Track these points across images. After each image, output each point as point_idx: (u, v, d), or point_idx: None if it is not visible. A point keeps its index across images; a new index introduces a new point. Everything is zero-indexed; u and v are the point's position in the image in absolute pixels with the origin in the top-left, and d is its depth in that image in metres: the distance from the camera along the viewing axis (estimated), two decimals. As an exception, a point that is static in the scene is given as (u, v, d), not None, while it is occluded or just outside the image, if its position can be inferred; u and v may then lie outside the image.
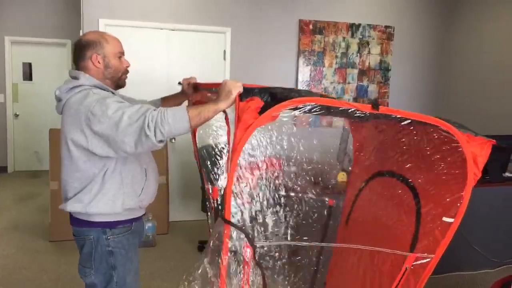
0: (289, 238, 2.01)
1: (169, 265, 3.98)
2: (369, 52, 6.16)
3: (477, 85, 5.96)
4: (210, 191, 2.29)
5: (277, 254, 1.97)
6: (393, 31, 6.22)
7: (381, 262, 1.96)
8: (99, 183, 1.93)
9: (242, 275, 1.61)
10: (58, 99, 1.99)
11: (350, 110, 1.53)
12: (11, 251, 4.32)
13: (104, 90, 1.99)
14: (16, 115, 7.83)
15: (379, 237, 1.98)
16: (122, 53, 2.09)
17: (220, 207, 2.17)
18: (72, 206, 1.97)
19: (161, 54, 5.34)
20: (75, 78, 1.97)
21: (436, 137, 1.72)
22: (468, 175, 1.66)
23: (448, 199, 1.74)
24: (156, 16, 5.29)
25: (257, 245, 1.59)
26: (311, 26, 5.84)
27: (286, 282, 2.08)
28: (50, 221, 4.60)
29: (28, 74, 7.87)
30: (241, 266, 1.60)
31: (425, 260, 1.77)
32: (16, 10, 7.44)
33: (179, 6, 5.37)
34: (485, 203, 3.99)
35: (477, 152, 1.68)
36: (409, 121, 1.67)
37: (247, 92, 1.63)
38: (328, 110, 1.60)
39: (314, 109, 1.56)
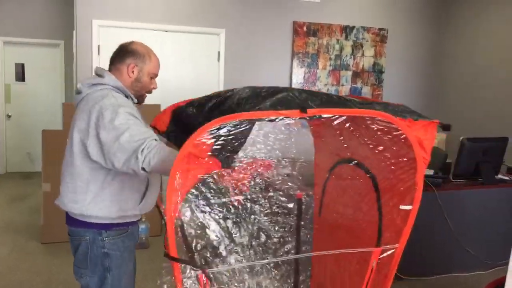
0: (262, 241, 1.98)
1: (162, 266, 3.96)
2: (362, 54, 6.18)
3: (469, 87, 5.99)
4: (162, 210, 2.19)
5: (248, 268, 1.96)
6: (387, 33, 6.24)
7: (349, 262, 1.97)
8: (98, 186, 1.92)
9: None
10: (78, 92, 2.00)
11: (277, 119, 1.47)
12: (3, 252, 4.29)
13: (124, 94, 2.01)
14: (8, 116, 7.78)
15: (349, 231, 1.99)
16: (156, 75, 2.13)
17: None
18: (68, 206, 1.97)
19: (154, 55, 5.34)
20: (100, 76, 2.00)
21: (375, 128, 1.68)
22: (417, 160, 1.64)
23: (402, 188, 1.74)
24: (149, 17, 5.28)
25: (211, 271, 1.56)
26: (305, 28, 5.85)
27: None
28: (42, 222, 4.57)
29: (20, 74, 7.82)
30: None
31: (390, 251, 1.77)
32: (9, 11, 7.40)
33: (173, 7, 5.36)
34: (478, 205, 4.00)
35: (421, 136, 1.65)
36: (343, 118, 1.63)
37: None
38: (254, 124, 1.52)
39: (240, 127, 1.47)
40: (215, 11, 5.53)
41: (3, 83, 7.68)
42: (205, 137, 1.43)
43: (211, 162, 1.48)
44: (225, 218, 1.87)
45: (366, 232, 1.90)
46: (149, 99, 5.46)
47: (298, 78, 5.93)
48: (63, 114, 4.75)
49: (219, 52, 5.56)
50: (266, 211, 1.99)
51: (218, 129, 1.44)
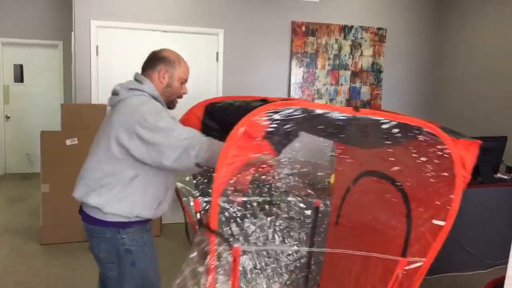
0: (276, 243, 1.99)
1: (162, 267, 3.94)
2: (361, 54, 6.18)
3: (468, 86, 5.99)
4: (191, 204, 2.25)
5: (264, 259, 1.95)
6: (385, 33, 6.24)
7: (373, 266, 1.95)
8: (124, 185, 2.00)
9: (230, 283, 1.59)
10: (115, 93, 2.11)
11: (330, 114, 1.50)
12: (1, 254, 4.28)
13: (161, 103, 2.10)
14: (7, 117, 7.77)
15: (369, 240, 1.96)
16: (186, 80, 2.20)
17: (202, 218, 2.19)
18: (92, 199, 2.02)
19: (153, 55, 5.33)
20: (139, 82, 2.11)
21: (422, 139, 1.69)
22: (456, 178, 1.64)
23: (437, 202, 1.73)
24: (148, 17, 5.28)
25: (243, 249, 1.58)
26: (303, 28, 5.85)
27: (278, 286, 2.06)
28: (41, 224, 4.57)
29: (19, 76, 7.81)
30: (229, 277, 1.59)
31: (417, 264, 1.76)
32: (7, 11, 7.39)
33: (171, 7, 5.35)
34: (477, 204, 4.00)
35: (463, 154, 1.66)
36: (393, 123, 1.63)
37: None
38: (306, 122, 1.54)
39: (293, 116, 1.51)
40: (213, 12, 5.53)
41: (2, 84, 7.67)
42: (262, 118, 1.46)
43: (264, 144, 1.52)
44: (243, 217, 1.89)
45: (389, 244, 1.88)
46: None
47: (297, 78, 5.93)
48: (62, 115, 4.75)
49: (217, 53, 5.56)
50: (284, 215, 2.00)
51: (275, 112, 1.48)
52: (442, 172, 1.69)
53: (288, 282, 2.11)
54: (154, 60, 2.17)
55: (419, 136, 1.68)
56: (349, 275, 2.10)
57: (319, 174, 1.97)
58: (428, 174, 1.73)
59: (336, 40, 6.02)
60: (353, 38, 6.10)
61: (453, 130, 1.79)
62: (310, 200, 2.05)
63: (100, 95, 5.20)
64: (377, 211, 1.95)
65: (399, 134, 1.65)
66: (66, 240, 4.59)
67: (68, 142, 4.57)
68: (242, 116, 1.47)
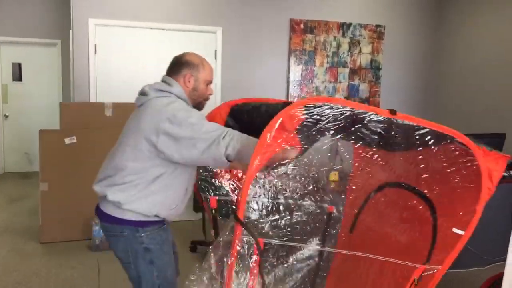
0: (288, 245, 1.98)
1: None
2: (360, 51, 6.17)
3: (467, 83, 5.99)
4: (208, 201, 2.30)
5: (274, 259, 1.95)
6: (384, 30, 6.23)
7: (385, 275, 1.93)
8: (147, 184, 2.02)
9: (247, 280, 1.61)
10: (143, 93, 2.14)
11: (367, 115, 1.51)
12: (1, 253, 4.28)
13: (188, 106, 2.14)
14: (6, 116, 7.77)
15: (387, 249, 1.94)
16: (211, 82, 2.23)
17: (219, 214, 2.24)
18: (113, 194, 2.04)
19: (151, 54, 5.32)
20: (168, 84, 2.13)
21: (453, 148, 1.69)
22: (482, 190, 1.63)
23: (461, 212, 1.72)
24: (146, 16, 5.27)
25: (266, 241, 1.60)
26: (302, 26, 5.85)
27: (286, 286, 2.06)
28: (40, 223, 4.57)
29: (17, 74, 7.80)
30: (246, 271, 1.60)
31: (432, 272, 1.75)
32: (6, 10, 7.37)
33: (169, 5, 5.34)
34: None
35: (492, 167, 1.66)
36: (426, 130, 1.63)
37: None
38: (344, 121, 1.56)
39: (339, 116, 1.53)
40: (211, 9, 5.52)
41: (0, 83, 7.67)
42: (300, 111, 1.47)
43: (294, 137, 1.54)
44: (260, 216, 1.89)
45: (407, 253, 1.87)
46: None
47: (296, 76, 5.92)
48: (60, 114, 4.74)
49: (216, 50, 5.55)
50: (297, 219, 1.99)
51: (314, 106, 1.50)
52: (469, 184, 1.68)
53: (296, 285, 2.10)
54: (178, 65, 2.18)
55: (450, 145, 1.68)
56: (360, 281, 2.08)
57: (320, 171, 1.96)
58: (455, 184, 1.72)
59: (335, 37, 6.02)
60: (352, 36, 6.10)
61: (483, 143, 1.78)
62: (323, 205, 2.04)
63: (98, 94, 5.20)
64: (399, 220, 1.93)
65: (432, 141, 1.65)
66: (66, 239, 4.59)
67: (66, 140, 4.56)
68: (268, 121, 1.49)
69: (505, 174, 4.36)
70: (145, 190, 2.02)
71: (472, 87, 5.91)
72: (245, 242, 1.58)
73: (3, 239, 4.64)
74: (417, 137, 1.62)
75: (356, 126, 1.58)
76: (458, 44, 6.16)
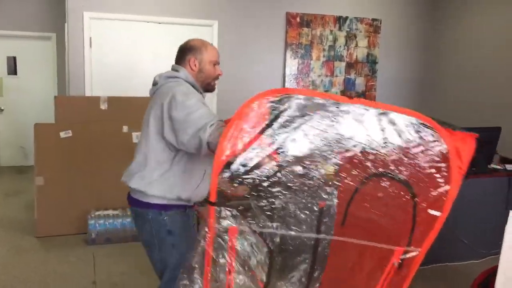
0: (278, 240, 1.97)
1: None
2: (356, 45, 6.17)
3: (463, 78, 6.00)
4: None
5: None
6: (380, 24, 6.23)
7: (369, 258, 1.95)
8: (164, 167, 2.12)
9: (227, 260, 1.62)
10: (154, 83, 2.27)
11: (329, 103, 1.51)
12: (-4, 247, 4.28)
13: (195, 88, 2.21)
14: (1, 110, 7.73)
15: (375, 236, 1.95)
16: (217, 62, 2.30)
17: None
18: (134, 182, 2.16)
19: (147, 47, 5.31)
20: (176, 71, 2.24)
21: (418, 130, 1.70)
22: (452, 169, 1.64)
23: (434, 193, 1.73)
24: (142, 9, 5.25)
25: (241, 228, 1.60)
26: (298, 19, 5.83)
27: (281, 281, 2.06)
28: (36, 217, 4.56)
29: (12, 68, 7.75)
30: (226, 251, 1.61)
31: (412, 254, 1.77)
32: (0, 4, 7.32)
33: (165, -1, 5.32)
34: (471, 194, 4.02)
35: (459, 146, 1.67)
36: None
37: None
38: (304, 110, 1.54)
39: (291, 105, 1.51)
40: (207, 3, 5.50)
41: (-5, 76, 7.63)
42: (262, 105, 1.47)
43: (262, 139, 1.54)
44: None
45: (393, 232, 1.88)
46: (143, 92, 5.40)
47: (292, 70, 5.92)
48: (55, 108, 4.72)
49: (212, 44, 5.53)
50: (292, 214, 1.98)
51: (280, 100, 1.49)
52: (439, 163, 1.69)
53: (292, 279, 2.10)
54: (182, 52, 2.28)
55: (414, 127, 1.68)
56: (348, 269, 2.10)
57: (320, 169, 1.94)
58: (425, 164, 1.73)
59: (331, 31, 6.01)
60: (348, 29, 6.09)
61: (448, 122, 1.79)
62: (314, 201, 2.02)
63: (94, 87, 5.18)
64: (383, 208, 1.94)
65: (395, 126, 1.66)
66: (62, 233, 4.59)
67: (62, 134, 4.55)
68: None
69: (499, 167, 4.36)
70: (163, 175, 2.12)
71: (468, 81, 5.92)
72: (222, 228, 1.58)
73: (-2, 233, 4.64)
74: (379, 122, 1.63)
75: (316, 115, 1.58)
76: (455, 38, 6.16)
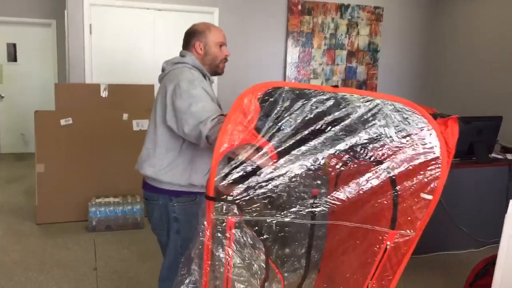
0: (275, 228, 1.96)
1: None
2: (358, 33, 6.13)
3: (464, 66, 5.97)
4: None
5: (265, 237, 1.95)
6: (382, 11, 6.19)
7: (363, 240, 1.96)
8: (175, 154, 2.12)
9: (225, 254, 1.63)
10: (162, 70, 2.26)
11: (313, 92, 1.53)
12: (-3, 234, 4.30)
13: (202, 73, 2.21)
14: (1, 97, 7.72)
15: (362, 217, 1.97)
16: (223, 43, 2.31)
17: None
18: (146, 169, 2.17)
19: (147, 34, 5.28)
20: (182, 56, 2.25)
21: (404, 117, 1.71)
22: (441, 152, 1.66)
23: (424, 175, 1.74)
24: (142, -5, 5.21)
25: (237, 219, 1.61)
26: (299, 7, 5.79)
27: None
28: (36, 204, 4.57)
29: (12, 55, 7.73)
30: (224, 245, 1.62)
31: (406, 238, 1.78)
32: (-1, -11, 7.27)
33: (165, -15, 5.28)
34: (471, 183, 4.02)
35: (443, 131, 1.69)
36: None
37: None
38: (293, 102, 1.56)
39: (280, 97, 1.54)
40: (208, -10, 5.46)
41: (-5, 63, 7.61)
42: (253, 100, 1.49)
43: (249, 133, 1.56)
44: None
45: (379, 220, 1.88)
46: (143, 79, 5.36)
47: (293, 58, 5.89)
48: (55, 95, 4.71)
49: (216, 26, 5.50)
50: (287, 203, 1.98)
51: (269, 94, 1.52)
52: (428, 148, 1.71)
53: (287, 269, 2.10)
54: (187, 37, 2.29)
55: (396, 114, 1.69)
56: (345, 253, 2.11)
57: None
58: (412, 147, 1.74)
59: (333, 19, 5.98)
60: (350, 17, 6.05)
61: (432, 111, 1.80)
62: (307, 190, 2.02)
63: (94, 75, 5.16)
64: (365, 186, 1.95)
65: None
66: (62, 220, 4.60)
67: (62, 122, 4.55)
68: None
69: (499, 157, 4.36)
70: (175, 161, 2.13)
71: (470, 70, 5.90)
72: (220, 221, 1.59)
73: (-1, 220, 4.66)
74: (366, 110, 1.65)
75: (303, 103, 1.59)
76: (457, 27, 6.12)
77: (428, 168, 1.72)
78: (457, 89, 6.11)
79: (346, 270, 2.17)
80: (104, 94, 4.84)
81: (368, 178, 1.84)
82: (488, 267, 3.09)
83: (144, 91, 4.96)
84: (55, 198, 4.58)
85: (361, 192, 1.87)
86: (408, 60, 6.49)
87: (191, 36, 2.27)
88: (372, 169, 1.84)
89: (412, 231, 1.77)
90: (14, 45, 7.71)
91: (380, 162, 1.80)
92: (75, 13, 5.04)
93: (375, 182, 1.84)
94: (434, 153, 1.68)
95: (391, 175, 1.78)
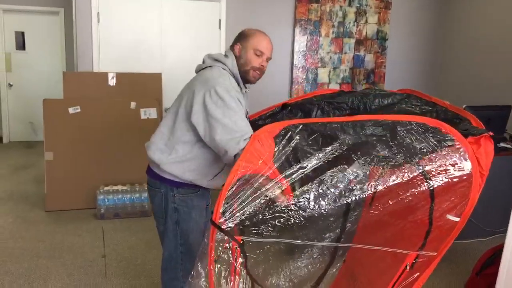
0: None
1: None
2: (366, 21, 6.08)
3: (475, 54, 5.91)
4: None
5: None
6: (391, -1, 6.13)
7: (384, 257, 1.92)
8: (186, 150, 2.10)
9: (233, 284, 1.62)
10: (203, 62, 2.27)
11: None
12: (7, 221, 4.34)
13: (237, 81, 2.20)
14: (10, 85, 7.76)
15: (393, 228, 1.92)
16: (262, 53, 2.22)
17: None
18: (154, 153, 2.16)
19: (154, 22, 5.26)
20: (225, 55, 2.24)
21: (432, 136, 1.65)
22: (473, 175, 1.58)
23: (454, 198, 1.67)
24: (149, -17, 5.19)
25: (245, 239, 1.60)
26: (307, -5, 5.75)
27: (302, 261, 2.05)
28: (45, 191, 4.61)
29: (21, 43, 7.75)
30: (229, 275, 1.61)
31: (426, 258, 1.74)
32: (7, -22, 7.28)
33: (173, -27, 5.25)
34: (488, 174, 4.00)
35: (474, 149, 1.61)
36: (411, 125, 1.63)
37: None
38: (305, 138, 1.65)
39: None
40: (216, -23, 5.42)
41: (4, 51, 7.63)
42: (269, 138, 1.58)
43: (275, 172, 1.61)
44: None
45: (411, 234, 1.84)
46: (150, 68, 5.37)
47: (300, 46, 5.86)
48: (64, 83, 4.73)
49: (220, 20, 5.48)
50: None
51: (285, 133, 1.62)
52: (460, 170, 1.63)
53: (314, 257, 2.09)
54: (235, 38, 2.31)
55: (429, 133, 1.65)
56: (372, 259, 2.08)
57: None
58: (446, 169, 1.67)
59: (341, 7, 5.93)
60: (358, 5, 6.00)
61: (460, 125, 1.74)
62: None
63: (102, 63, 5.17)
64: (404, 199, 1.89)
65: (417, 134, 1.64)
66: (71, 207, 4.64)
67: (70, 110, 4.57)
68: None
69: (508, 146, 4.32)
70: (181, 157, 2.10)
71: (479, 60, 5.84)
72: (228, 247, 1.58)
73: (8, 207, 4.70)
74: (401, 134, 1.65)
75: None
76: (466, 16, 6.06)
77: (459, 188, 1.65)
78: (466, 78, 6.05)
79: (371, 272, 2.15)
80: (112, 82, 4.85)
81: (408, 184, 1.76)
82: (495, 256, 3.08)
83: (151, 80, 4.97)
84: (64, 186, 4.62)
85: (398, 201, 1.81)
86: (417, 48, 6.44)
87: (237, 38, 2.29)
88: (411, 176, 1.76)
89: (433, 252, 1.72)
90: (23, 33, 7.73)
91: (424, 174, 1.73)
92: (82, 2, 5.04)
93: (414, 190, 1.76)
94: (466, 173, 1.61)
95: (431, 186, 1.70)
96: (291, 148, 1.62)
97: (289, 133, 1.64)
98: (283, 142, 1.63)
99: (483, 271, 3.13)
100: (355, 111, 2.22)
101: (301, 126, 1.66)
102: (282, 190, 1.60)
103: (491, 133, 1.61)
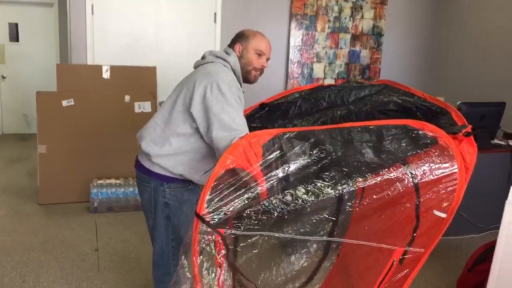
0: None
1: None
2: (362, 17, 6.07)
3: (471, 51, 5.92)
4: None
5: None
6: (387, -5, 6.12)
7: (376, 253, 1.92)
8: (180, 143, 2.08)
9: (216, 276, 1.60)
10: (203, 57, 2.26)
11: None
12: (0, 214, 4.32)
13: (238, 80, 2.21)
14: (3, 77, 7.71)
15: (383, 222, 1.92)
16: (263, 53, 2.27)
17: None
18: (147, 144, 2.14)
19: (149, 16, 5.23)
20: (227, 53, 2.23)
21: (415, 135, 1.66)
22: (458, 170, 1.60)
23: (440, 193, 1.68)
24: (144, -24, 5.15)
25: (228, 232, 1.59)
26: (303, -11, 5.73)
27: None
28: (38, 184, 4.59)
29: (14, 35, 7.70)
30: (214, 267, 1.60)
31: (415, 254, 1.73)
32: (1, -32, 7.21)
33: (168, -34, 5.22)
34: (473, 169, 4.01)
35: (457, 144, 1.63)
36: (396, 131, 1.63)
37: None
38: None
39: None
40: (211, -29, 5.39)
41: (-3, 43, 7.58)
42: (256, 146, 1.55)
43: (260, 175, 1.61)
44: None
45: (399, 230, 1.84)
46: (145, 61, 5.35)
47: (296, 41, 5.84)
48: (57, 76, 4.70)
49: (215, 13, 5.45)
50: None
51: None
52: (445, 167, 1.64)
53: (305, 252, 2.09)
54: (233, 38, 2.32)
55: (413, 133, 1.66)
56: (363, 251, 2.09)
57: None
58: (432, 162, 1.68)
59: (337, 2, 5.91)
60: (354, 0, 5.99)
61: (446, 122, 1.75)
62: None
63: (96, 56, 5.13)
64: (389, 194, 1.89)
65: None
66: (64, 201, 4.63)
67: (64, 103, 4.54)
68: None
69: (502, 143, 4.33)
70: (175, 150, 2.09)
71: (475, 56, 5.85)
72: (212, 239, 1.56)
73: (1, 200, 4.68)
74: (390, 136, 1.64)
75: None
76: (462, 12, 6.06)
77: (444, 183, 1.65)
78: (462, 75, 6.06)
79: (360, 267, 2.15)
80: (106, 75, 4.82)
81: (394, 179, 1.76)
82: (487, 252, 3.10)
83: (146, 73, 4.94)
84: (57, 179, 4.60)
85: (385, 196, 1.81)
86: (413, 45, 6.43)
87: (236, 38, 2.30)
88: (397, 172, 1.77)
89: (421, 248, 1.72)
90: (16, 25, 7.68)
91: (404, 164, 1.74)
92: (77, -7, 5.00)
93: (400, 186, 1.77)
94: (451, 168, 1.62)
95: (416, 181, 1.71)
96: (278, 155, 1.61)
97: (278, 141, 1.63)
98: (271, 149, 1.62)
99: (475, 267, 3.14)
100: (333, 105, 2.26)
101: (289, 134, 1.66)
102: (266, 189, 1.59)
103: (470, 126, 1.64)
